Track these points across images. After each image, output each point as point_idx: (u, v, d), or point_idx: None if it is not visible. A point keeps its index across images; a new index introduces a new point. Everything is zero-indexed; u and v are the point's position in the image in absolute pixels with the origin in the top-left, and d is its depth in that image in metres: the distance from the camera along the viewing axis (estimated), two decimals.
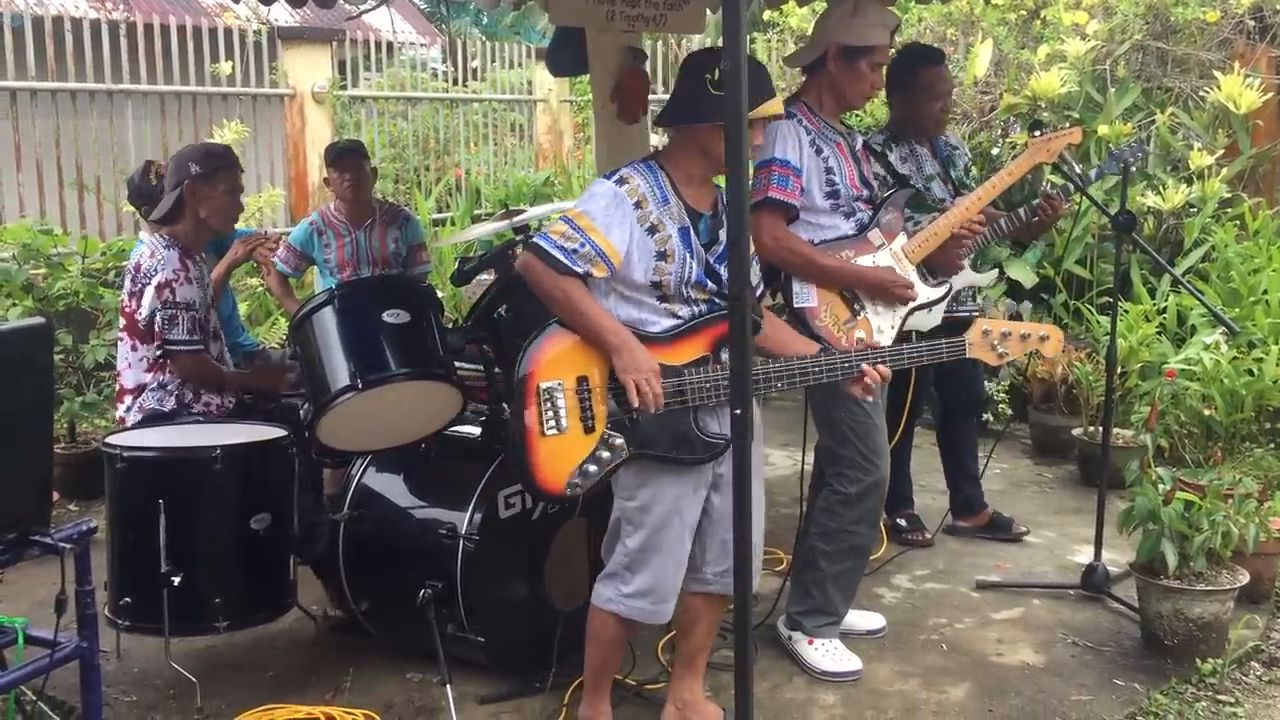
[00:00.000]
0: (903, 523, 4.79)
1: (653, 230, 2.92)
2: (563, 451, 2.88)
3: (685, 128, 2.97)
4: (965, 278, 4.22)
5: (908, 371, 4.06)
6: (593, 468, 2.89)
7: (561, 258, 2.87)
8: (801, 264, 3.53)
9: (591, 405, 2.90)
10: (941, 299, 3.74)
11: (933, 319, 4.11)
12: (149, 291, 3.76)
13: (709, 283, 2.99)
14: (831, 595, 3.71)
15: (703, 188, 3.05)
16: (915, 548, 4.67)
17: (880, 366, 3.05)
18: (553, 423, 2.88)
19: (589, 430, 2.89)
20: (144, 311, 3.77)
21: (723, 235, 3.03)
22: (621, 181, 2.95)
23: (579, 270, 2.88)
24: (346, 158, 5.20)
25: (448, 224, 9.13)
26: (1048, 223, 4.32)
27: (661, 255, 2.92)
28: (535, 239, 2.94)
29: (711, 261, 3.00)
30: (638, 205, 2.92)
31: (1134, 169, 4.50)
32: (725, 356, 2.97)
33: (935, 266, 4.15)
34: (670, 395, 2.90)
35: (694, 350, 2.96)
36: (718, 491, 3.07)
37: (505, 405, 3.00)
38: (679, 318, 2.97)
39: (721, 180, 2.82)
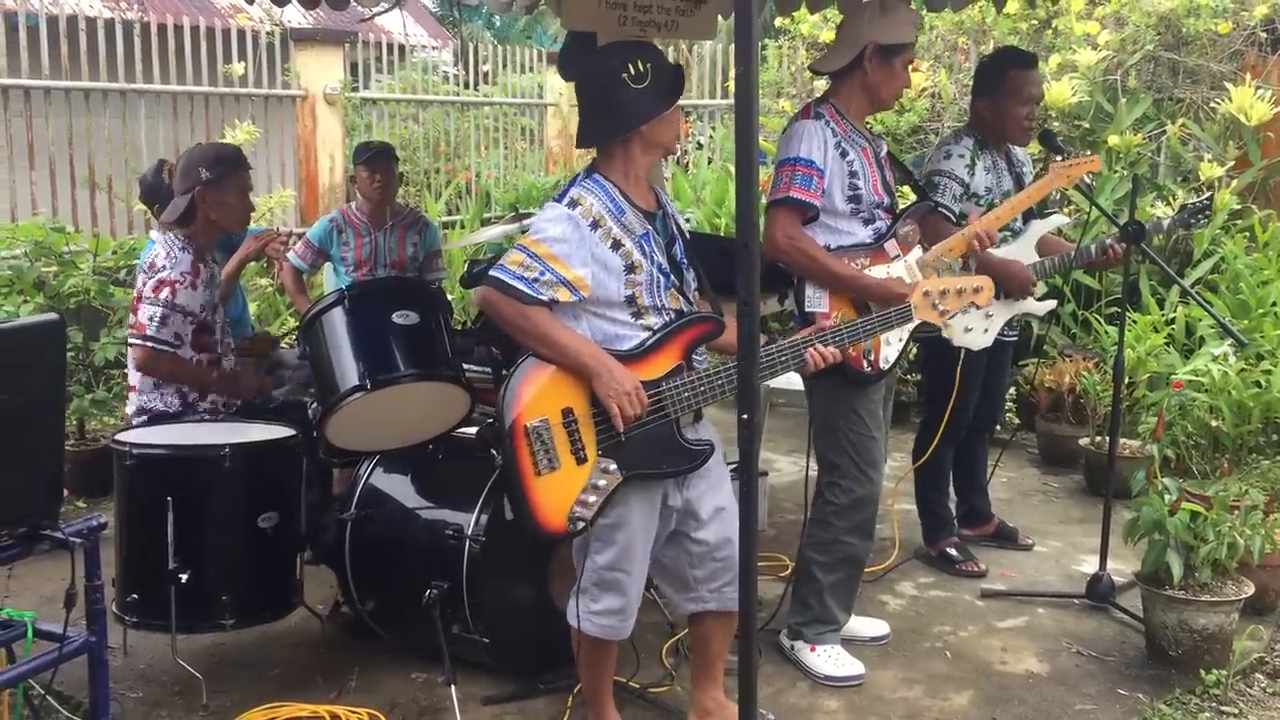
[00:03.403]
0: (953, 552, 4.59)
1: (616, 245, 2.89)
2: (560, 488, 2.85)
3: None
4: (1023, 305, 4.27)
5: (950, 380, 4.10)
6: (591, 497, 2.86)
7: (523, 288, 2.83)
8: (812, 266, 3.52)
9: (580, 436, 2.87)
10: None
11: (985, 340, 4.18)
12: (150, 284, 3.80)
13: (673, 278, 2.98)
14: (829, 605, 3.71)
15: (644, 185, 3.02)
16: (970, 577, 4.51)
17: (827, 348, 3.09)
18: (545, 461, 2.83)
19: (581, 461, 2.87)
20: (140, 299, 3.80)
21: (671, 225, 3.05)
22: (574, 204, 2.89)
23: (543, 298, 2.83)
24: (380, 159, 5.27)
25: (457, 227, 9.16)
26: (1113, 261, 4.31)
27: (630, 268, 2.90)
28: (492, 272, 2.88)
29: (676, 256, 3.01)
30: (595, 225, 2.87)
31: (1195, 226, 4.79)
32: (696, 361, 2.99)
33: (1010, 290, 4.19)
34: (652, 410, 2.89)
35: (668, 361, 2.94)
36: (694, 517, 3.06)
37: (495, 452, 2.96)
38: (651, 329, 2.95)
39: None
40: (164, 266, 3.81)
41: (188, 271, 3.82)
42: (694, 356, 2.99)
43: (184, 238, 3.90)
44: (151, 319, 3.78)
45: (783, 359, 3.06)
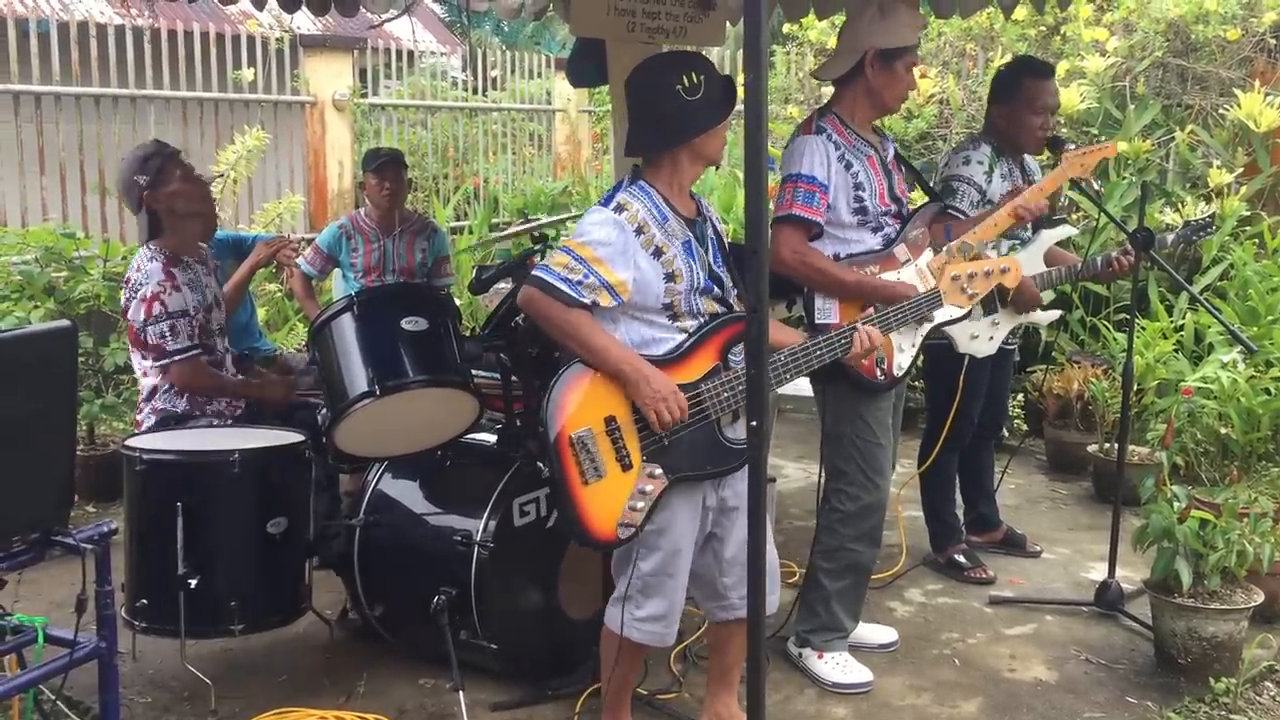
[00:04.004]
0: (961, 559, 4.59)
1: (658, 253, 2.90)
2: (607, 496, 2.84)
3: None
4: (1029, 315, 4.28)
5: (952, 386, 4.12)
6: (639, 503, 2.85)
7: (567, 289, 2.83)
8: (822, 280, 3.53)
9: (624, 443, 2.86)
10: (962, 318, 3.72)
11: (990, 347, 4.18)
12: (134, 304, 3.80)
13: (714, 288, 2.99)
14: (836, 612, 3.71)
15: (686, 193, 3.04)
16: (978, 584, 4.51)
17: (871, 330, 3.15)
18: (592, 471, 2.83)
19: (627, 468, 2.86)
20: (134, 325, 3.81)
21: (709, 233, 3.06)
22: (620, 209, 2.90)
23: (585, 301, 2.84)
24: (389, 167, 5.29)
25: (465, 232, 9.17)
26: (1119, 274, 4.32)
27: (670, 276, 2.91)
28: (536, 271, 2.89)
29: (714, 264, 3.01)
30: (639, 231, 2.88)
31: (1198, 240, 4.82)
32: (733, 360, 3.00)
33: (1017, 300, 4.18)
34: (693, 412, 2.90)
35: (705, 362, 2.95)
36: (728, 517, 3.06)
37: (541, 465, 2.96)
38: (687, 332, 2.96)
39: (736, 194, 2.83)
40: (139, 284, 3.80)
41: (162, 279, 3.80)
42: (730, 356, 3.00)
43: (154, 247, 3.89)
44: (163, 335, 3.79)
45: (842, 344, 3.14)
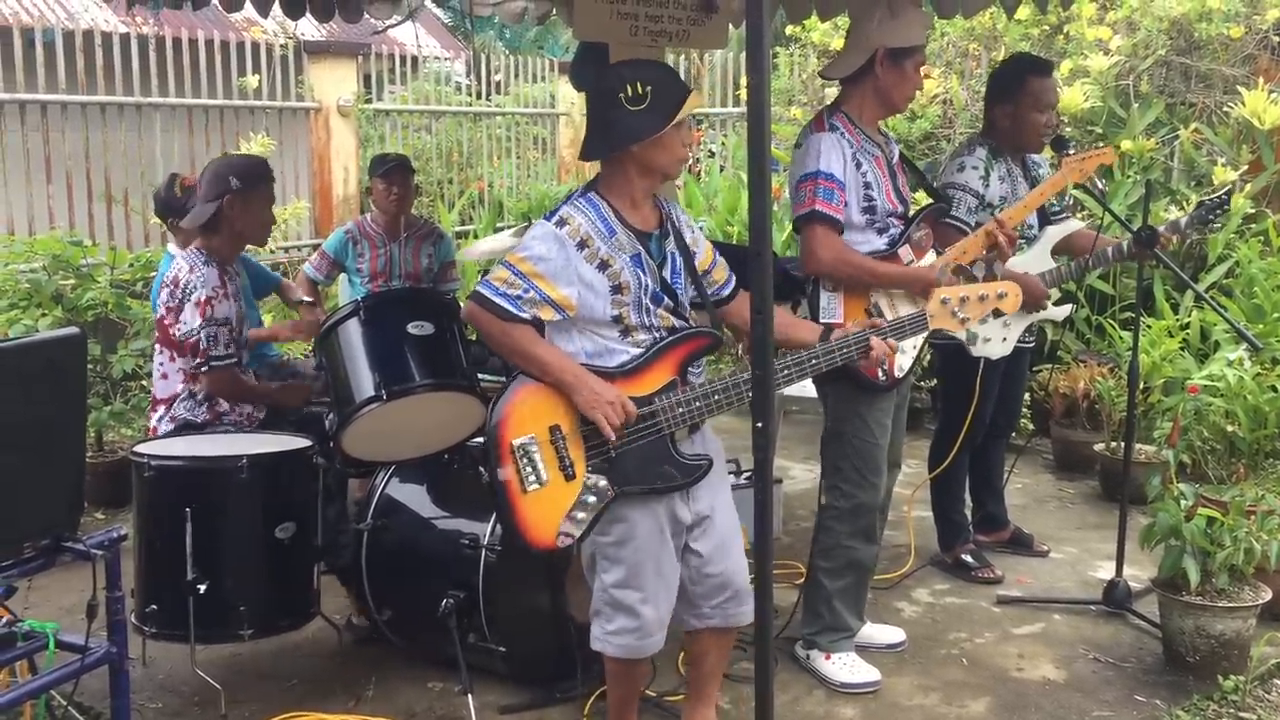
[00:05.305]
0: (969, 559, 4.58)
1: (604, 266, 2.87)
2: (548, 504, 2.84)
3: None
4: (1040, 313, 4.26)
5: (970, 388, 4.13)
6: (580, 514, 2.85)
7: (506, 305, 2.83)
8: (861, 275, 3.51)
9: (568, 452, 2.86)
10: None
11: (1005, 348, 4.17)
12: (189, 308, 3.80)
13: (666, 299, 2.96)
14: (839, 612, 3.71)
15: (645, 206, 3.00)
16: (986, 583, 4.50)
17: (889, 340, 3.15)
18: (533, 478, 2.83)
19: (570, 478, 2.85)
20: (183, 327, 3.80)
21: (669, 248, 3.02)
22: (562, 223, 2.88)
23: (525, 315, 2.83)
24: (397, 172, 5.31)
25: (470, 236, 9.20)
26: (1129, 259, 4.29)
27: (617, 289, 2.88)
28: (477, 287, 2.89)
29: (668, 279, 2.98)
30: (582, 245, 2.86)
31: (1215, 222, 4.75)
32: (691, 376, 2.98)
33: (1025, 301, 4.16)
34: (645, 425, 2.88)
35: (661, 377, 2.93)
36: (701, 530, 3.03)
37: (482, 469, 2.99)
38: (642, 347, 2.94)
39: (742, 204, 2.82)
40: (193, 284, 3.81)
41: (217, 285, 3.84)
42: (690, 371, 2.98)
43: (205, 251, 3.92)
44: (212, 340, 3.80)
45: (841, 352, 3.10)
